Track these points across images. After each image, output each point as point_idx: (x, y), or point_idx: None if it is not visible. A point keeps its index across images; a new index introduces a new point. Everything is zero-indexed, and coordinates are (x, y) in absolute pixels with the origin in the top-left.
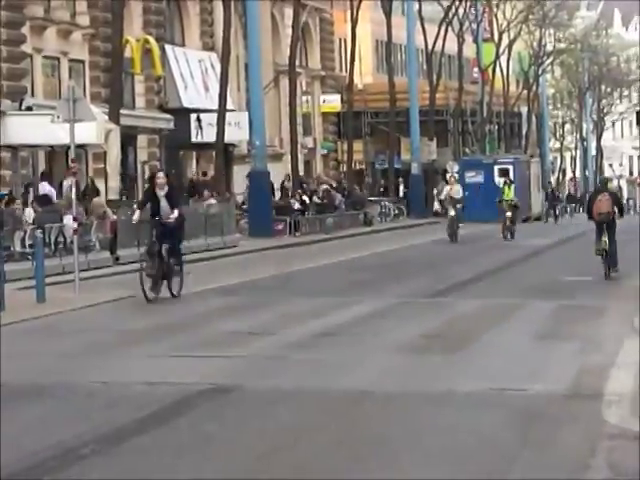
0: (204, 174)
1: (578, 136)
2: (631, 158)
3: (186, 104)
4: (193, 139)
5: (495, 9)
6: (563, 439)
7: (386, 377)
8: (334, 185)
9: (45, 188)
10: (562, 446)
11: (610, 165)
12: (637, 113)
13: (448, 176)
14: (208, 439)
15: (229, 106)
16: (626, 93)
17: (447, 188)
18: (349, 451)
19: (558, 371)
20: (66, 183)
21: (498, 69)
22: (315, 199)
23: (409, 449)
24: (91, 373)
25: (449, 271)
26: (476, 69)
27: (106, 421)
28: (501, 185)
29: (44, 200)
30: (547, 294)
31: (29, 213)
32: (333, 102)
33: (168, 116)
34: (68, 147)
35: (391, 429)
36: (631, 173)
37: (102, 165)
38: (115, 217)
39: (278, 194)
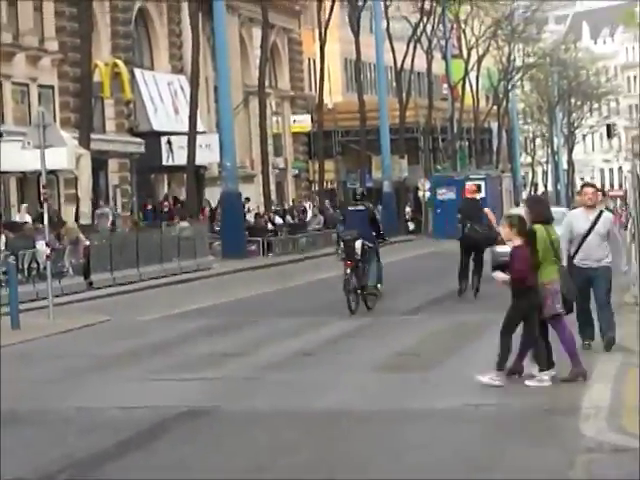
0: (175, 199)
1: (549, 150)
2: (602, 171)
3: (156, 127)
4: (164, 162)
5: (463, 25)
6: (540, 453)
7: (362, 396)
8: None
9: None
10: (540, 460)
11: (582, 179)
12: (607, 126)
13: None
14: (185, 462)
15: (199, 128)
16: (596, 106)
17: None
18: (327, 471)
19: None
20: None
21: (468, 85)
22: (288, 219)
23: (387, 467)
24: (67, 399)
25: (422, 289)
26: (445, 86)
27: (83, 446)
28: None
29: (15, 226)
30: None
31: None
32: (303, 122)
33: (139, 140)
34: (39, 173)
35: (368, 447)
36: (612, 186)
37: (73, 190)
38: (88, 242)
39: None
